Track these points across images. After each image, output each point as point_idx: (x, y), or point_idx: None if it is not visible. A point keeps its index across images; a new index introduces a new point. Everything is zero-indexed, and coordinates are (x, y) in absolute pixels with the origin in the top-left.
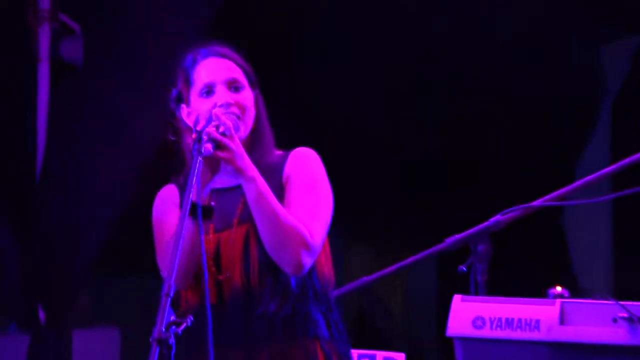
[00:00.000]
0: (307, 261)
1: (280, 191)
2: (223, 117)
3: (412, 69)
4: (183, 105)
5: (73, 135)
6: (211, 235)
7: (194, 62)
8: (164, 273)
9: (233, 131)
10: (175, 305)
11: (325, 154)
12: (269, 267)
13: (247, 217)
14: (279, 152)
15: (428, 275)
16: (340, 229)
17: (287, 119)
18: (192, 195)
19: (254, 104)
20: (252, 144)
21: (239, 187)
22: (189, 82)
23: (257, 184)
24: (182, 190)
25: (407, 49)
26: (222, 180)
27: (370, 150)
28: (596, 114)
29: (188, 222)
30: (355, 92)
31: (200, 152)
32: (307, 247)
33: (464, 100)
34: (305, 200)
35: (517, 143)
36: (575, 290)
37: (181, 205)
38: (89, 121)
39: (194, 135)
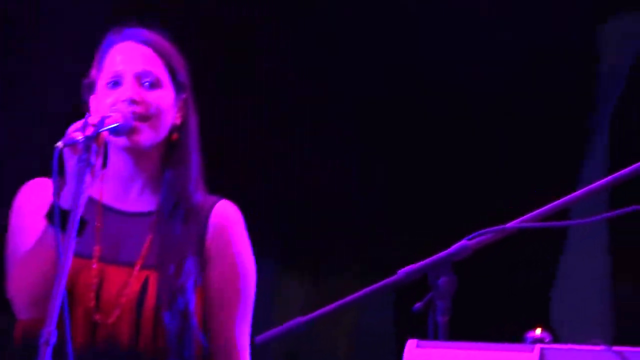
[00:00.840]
0: None
1: (198, 247)
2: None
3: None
4: (93, 97)
5: None
6: (95, 264)
7: (110, 45)
8: (16, 300)
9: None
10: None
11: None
12: (169, 328)
13: (153, 262)
14: (200, 193)
15: (381, 315)
16: (271, 255)
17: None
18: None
19: (175, 108)
20: (168, 160)
21: (149, 215)
22: (99, 68)
23: None
24: (57, 191)
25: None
26: (127, 201)
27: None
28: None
29: (52, 237)
30: None
31: (88, 164)
32: None
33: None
34: (236, 315)
35: (489, 156)
36: (559, 335)
37: (52, 218)
38: None
39: (80, 141)
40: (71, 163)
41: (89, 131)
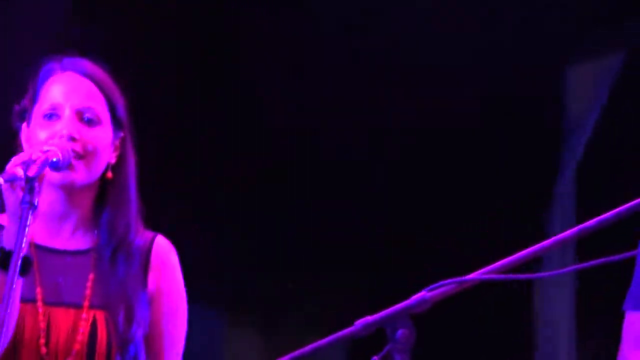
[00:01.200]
0: None
1: (144, 291)
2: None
3: None
4: (24, 125)
5: None
6: (40, 307)
7: (48, 74)
8: None
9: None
10: None
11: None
12: None
13: (98, 302)
14: (139, 233)
15: None
16: (220, 306)
17: None
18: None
19: (111, 147)
20: (105, 199)
21: (85, 253)
22: (34, 98)
23: None
24: None
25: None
26: (60, 239)
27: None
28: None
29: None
30: None
31: (31, 205)
32: None
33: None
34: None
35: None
36: None
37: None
38: None
39: (21, 184)
40: (11, 200)
41: (33, 171)
